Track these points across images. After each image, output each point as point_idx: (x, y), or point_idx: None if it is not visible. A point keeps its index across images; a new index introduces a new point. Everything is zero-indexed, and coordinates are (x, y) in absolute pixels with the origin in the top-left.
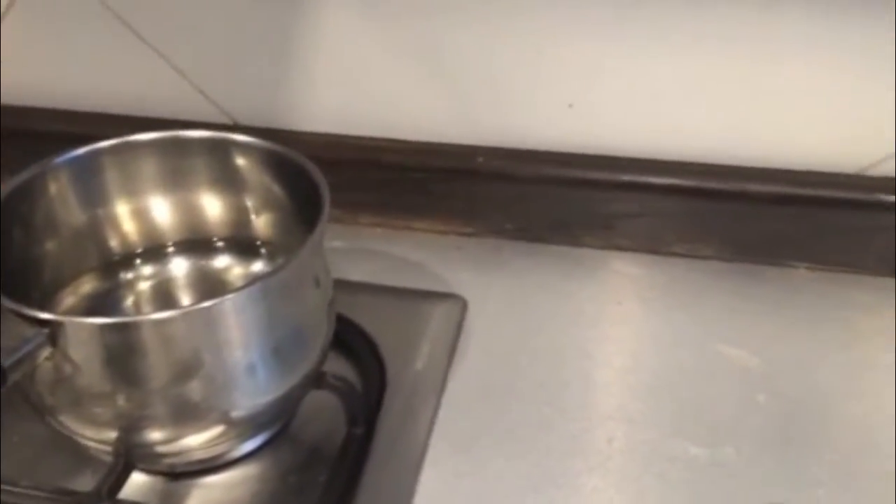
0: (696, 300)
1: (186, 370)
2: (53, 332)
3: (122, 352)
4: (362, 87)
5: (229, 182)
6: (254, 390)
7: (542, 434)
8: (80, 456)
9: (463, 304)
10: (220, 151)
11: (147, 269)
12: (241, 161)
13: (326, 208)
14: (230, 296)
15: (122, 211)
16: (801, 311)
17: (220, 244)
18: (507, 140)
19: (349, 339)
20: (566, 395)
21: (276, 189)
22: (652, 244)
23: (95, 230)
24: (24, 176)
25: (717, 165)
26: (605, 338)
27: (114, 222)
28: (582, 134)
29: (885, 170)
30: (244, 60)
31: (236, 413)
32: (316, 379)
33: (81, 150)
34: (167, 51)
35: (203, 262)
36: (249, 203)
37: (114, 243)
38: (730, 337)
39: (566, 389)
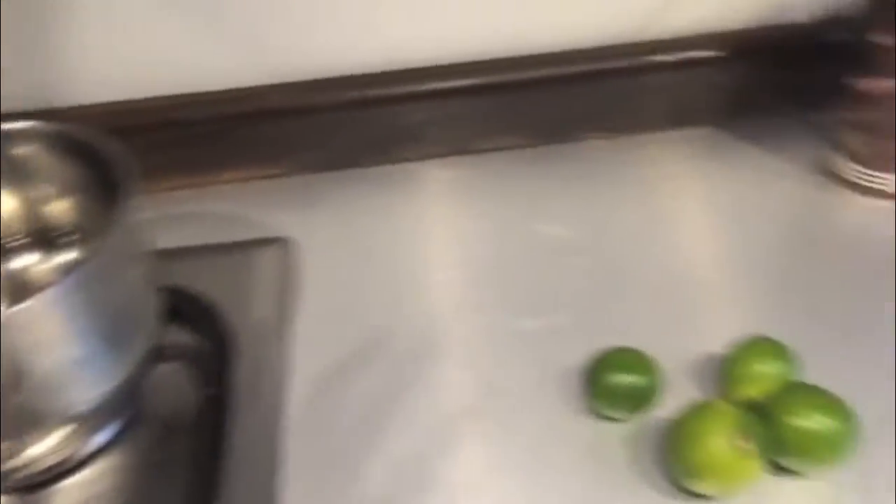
0: (507, 189)
1: (12, 381)
2: None
3: None
4: (139, 47)
5: (16, 175)
6: (91, 383)
7: (391, 342)
8: None
9: (289, 245)
10: None
11: None
12: (23, 150)
13: (129, 183)
14: (40, 295)
15: None
16: (601, 177)
17: (19, 242)
18: (299, 73)
19: (184, 307)
20: (407, 302)
21: (70, 172)
22: (459, 145)
23: None
24: None
25: (503, 59)
26: (431, 242)
27: None
28: (371, 52)
29: (655, 33)
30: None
31: (78, 410)
32: (155, 355)
33: None
34: None
35: (6, 265)
36: (44, 192)
37: None
38: (543, 216)
39: (406, 298)
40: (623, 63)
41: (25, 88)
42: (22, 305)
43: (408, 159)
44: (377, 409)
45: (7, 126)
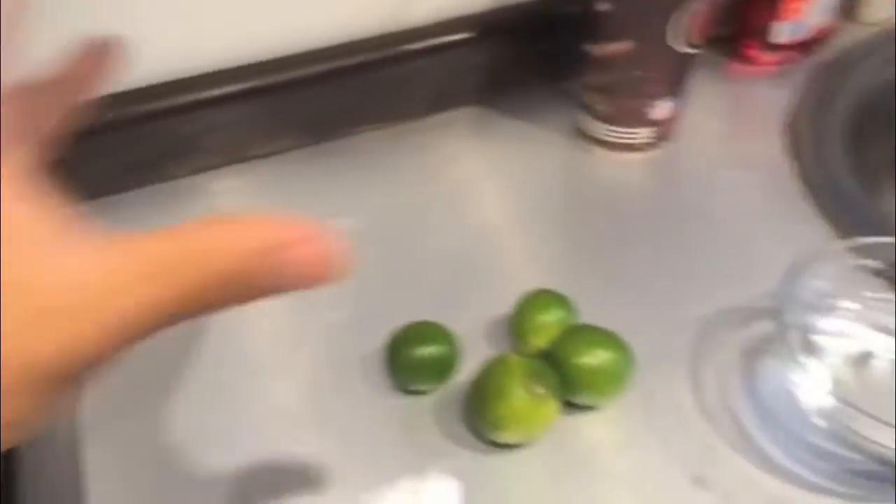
0: (289, 189)
1: None
2: None
3: None
4: None
5: None
6: None
7: (198, 340)
8: None
9: None
10: None
11: None
12: None
13: None
14: None
15: None
16: (379, 167)
17: None
18: None
19: None
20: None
21: None
22: (234, 154)
23: None
24: None
25: (267, 61)
26: None
27: None
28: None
29: (406, 22)
30: None
31: None
32: None
33: None
34: None
35: None
36: None
37: None
38: (328, 211)
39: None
40: (380, 55)
41: None
42: None
43: (177, 176)
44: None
45: None
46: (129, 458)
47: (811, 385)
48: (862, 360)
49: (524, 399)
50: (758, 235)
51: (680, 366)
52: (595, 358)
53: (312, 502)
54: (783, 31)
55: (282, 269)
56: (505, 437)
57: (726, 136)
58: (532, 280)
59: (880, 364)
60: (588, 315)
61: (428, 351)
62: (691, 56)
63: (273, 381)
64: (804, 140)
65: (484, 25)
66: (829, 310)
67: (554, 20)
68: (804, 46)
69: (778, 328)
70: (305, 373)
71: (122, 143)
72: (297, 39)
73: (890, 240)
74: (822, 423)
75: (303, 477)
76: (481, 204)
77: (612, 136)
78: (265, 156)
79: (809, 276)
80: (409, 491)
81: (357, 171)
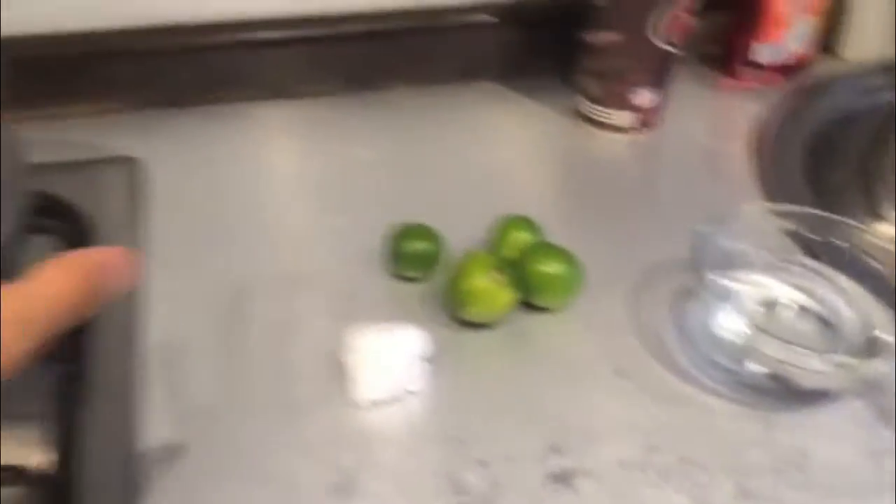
0: (326, 124)
1: None
2: None
3: None
4: None
5: None
6: None
7: (233, 239)
8: None
9: (137, 164)
10: None
11: None
12: None
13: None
14: None
15: None
16: (405, 117)
17: None
18: (142, 20)
19: (47, 204)
20: (244, 210)
21: None
22: (283, 89)
23: None
24: None
25: (321, 16)
26: (261, 163)
27: None
28: (204, 5)
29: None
30: None
31: None
32: (28, 228)
33: None
34: None
35: None
36: None
37: None
38: (356, 144)
39: (243, 206)
40: (421, 24)
41: None
42: None
43: (238, 100)
44: (227, 282)
45: None
46: None
47: (726, 321)
48: (769, 304)
49: (485, 281)
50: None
51: (622, 293)
52: (551, 267)
53: (319, 342)
54: (763, 53)
55: (103, 283)
56: (468, 313)
57: (702, 134)
58: (516, 210)
59: (784, 311)
60: (554, 241)
61: (420, 245)
62: (671, 53)
63: (290, 256)
64: (768, 148)
65: (507, 11)
66: (745, 264)
67: (564, 11)
68: (784, 70)
69: (698, 276)
70: (316, 257)
71: (185, 67)
72: (350, 1)
73: (800, 208)
74: (733, 342)
75: (295, 321)
76: (488, 154)
77: (600, 117)
78: (306, 95)
79: (726, 234)
80: (386, 330)
81: (386, 118)
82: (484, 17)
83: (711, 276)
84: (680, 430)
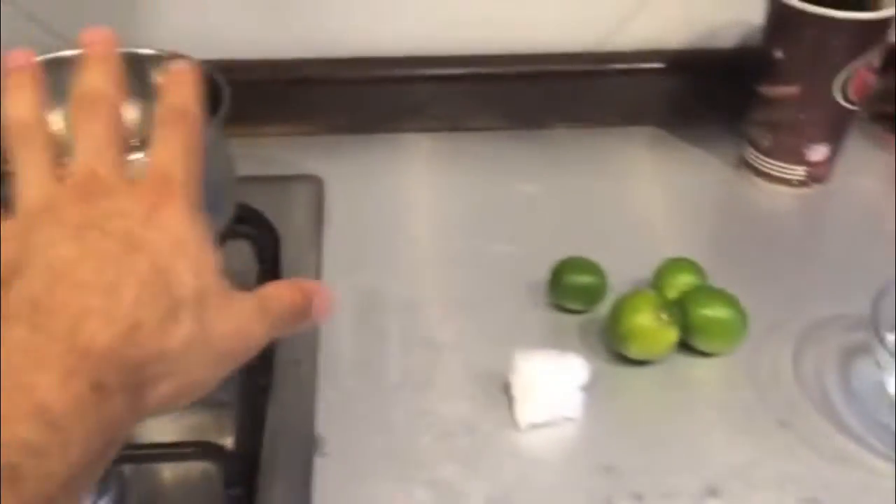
0: (491, 157)
1: None
2: None
3: None
4: (205, 11)
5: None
6: None
7: (399, 259)
8: None
9: (320, 182)
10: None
11: None
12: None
13: (227, 100)
14: None
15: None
16: (565, 156)
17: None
18: (328, 50)
19: (243, 213)
20: (409, 231)
21: None
22: (451, 123)
23: None
24: None
25: (492, 55)
26: (430, 191)
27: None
28: (385, 39)
29: (612, 46)
30: None
31: None
32: (229, 233)
33: None
34: None
35: None
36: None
37: None
38: (518, 178)
39: (409, 227)
40: (588, 67)
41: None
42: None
43: (409, 130)
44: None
45: (142, 52)
46: None
47: None
48: None
49: (649, 319)
50: (876, 271)
51: (786, 344)
52: (716, 311)
53: (481, 363)
54: None
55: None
56: (630, 349)
57: (871, 193)
58: (677, 254)
59: None
60: (717, 286)
61: (583, 279)
62: (849, 111)
63: (449, 281)
64: None
65: (676, 60)
66: None
67: (733, 62)
68: None
69: (875, 335)
70: (480, 283)
71: (371, 97)
72: (525, 42)
73: None
74: None
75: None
76: (649, 197)
77: (769, 169)
78: (474, 129)
79: None
80: (552, 357)
81: (549, 155)
82: (651, 63)
83: (890, 336)
84: (842, 489)
